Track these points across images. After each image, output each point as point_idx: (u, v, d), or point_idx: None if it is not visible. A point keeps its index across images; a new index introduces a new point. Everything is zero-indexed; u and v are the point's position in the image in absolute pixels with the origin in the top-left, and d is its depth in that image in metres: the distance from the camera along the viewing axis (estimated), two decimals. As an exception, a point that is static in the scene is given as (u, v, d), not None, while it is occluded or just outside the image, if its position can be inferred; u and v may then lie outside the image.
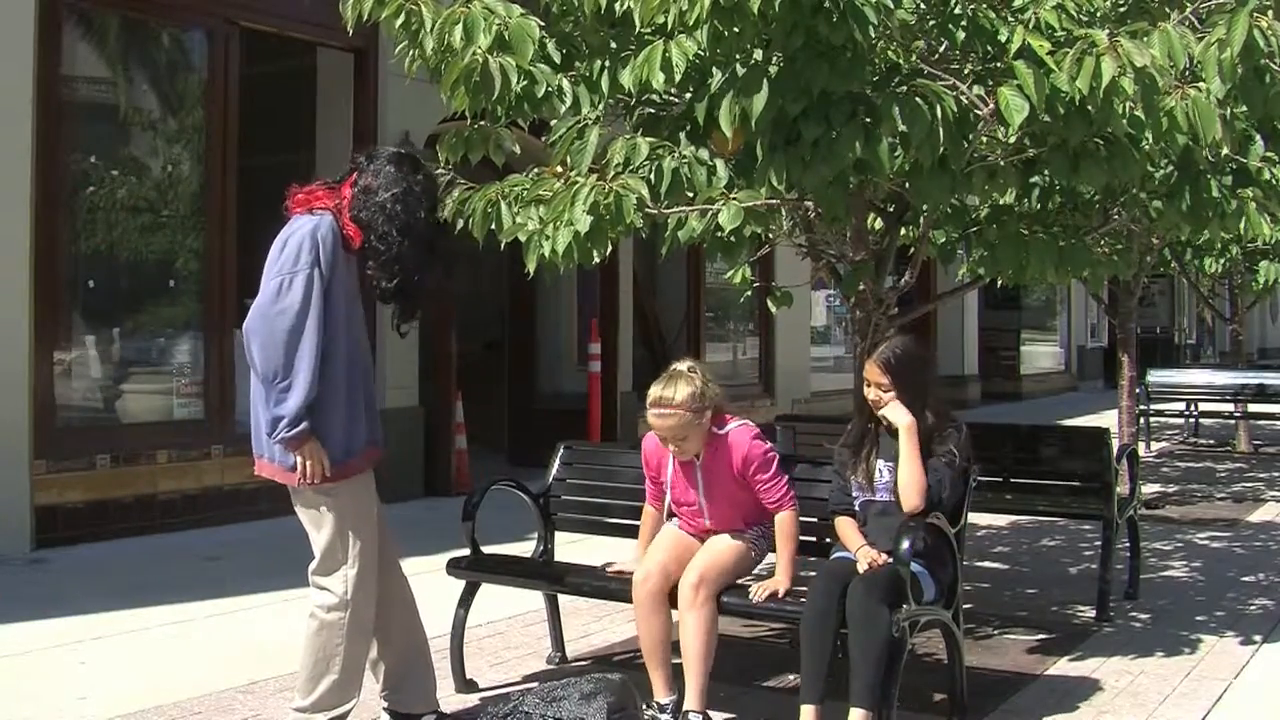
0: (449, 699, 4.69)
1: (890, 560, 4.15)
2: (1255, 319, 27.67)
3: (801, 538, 4.53)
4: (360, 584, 4.03)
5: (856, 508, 4.46)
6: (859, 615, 4.02)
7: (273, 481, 4.08)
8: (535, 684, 4.28)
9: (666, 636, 4.32)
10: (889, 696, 4.01)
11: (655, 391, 4.41)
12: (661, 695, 4.29)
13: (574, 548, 5.98)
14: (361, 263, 4.06)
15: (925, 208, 5.15)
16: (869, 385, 4.44)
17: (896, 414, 4.31)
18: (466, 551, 5.01)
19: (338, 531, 4.01)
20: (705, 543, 4.46)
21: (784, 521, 4.39)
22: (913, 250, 5.70)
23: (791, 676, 4.72)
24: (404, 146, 4.24)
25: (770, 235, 5.97)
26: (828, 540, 4.65)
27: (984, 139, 4.55)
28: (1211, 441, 14.40)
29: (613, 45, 4.75)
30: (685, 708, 4.21)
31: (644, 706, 4.21)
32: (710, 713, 4.23)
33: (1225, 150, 4.87)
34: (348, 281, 4.03)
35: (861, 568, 4.16)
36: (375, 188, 4.01)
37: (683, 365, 4.48)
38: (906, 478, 4.24)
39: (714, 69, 4.36)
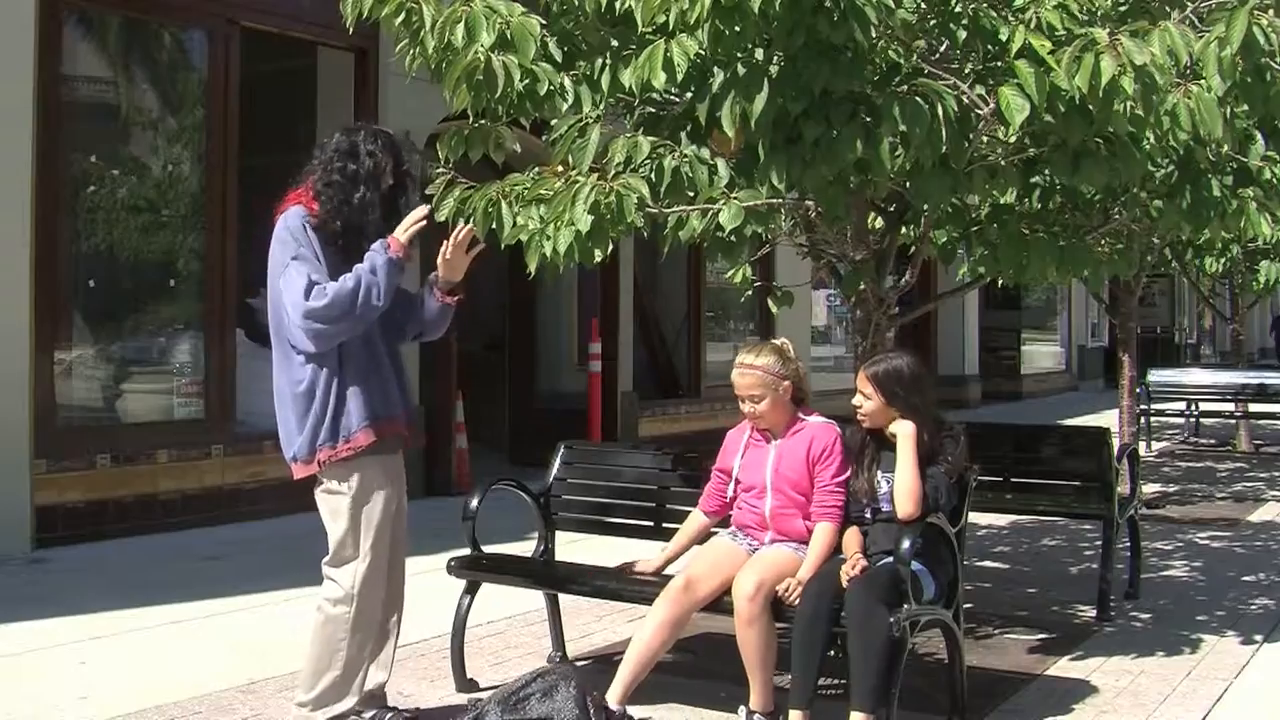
0: (449, 699, 4.70)
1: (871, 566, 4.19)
2: (1255, 319, 27.68)
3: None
4: (367, 580, 4.04)
5: (867, 515, 4.43)
6: (858, 616, 4.01)
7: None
8: (491, 691, 4.24)
9: (655, 654, 4.29)
10: (889, 696, 4.00)
11: (739, 355, 4.58)
12: (615, 700, 4.21)
13: (574, 548, 5.98)
14: (340, 244, 4.11)
15: (926, 207, 5.15)
16: (857, 392, 4.47)
17: (898, 424, 4.30)
18: (466, 551, 5.01)
19: (351, 524, 4.04)
20: (758, 552, 4.44)
21: (823, 530, 4.36)
22: (913, 250, 5.70)
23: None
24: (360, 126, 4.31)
25: (771, 235, 5.96)
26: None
27: (985, 138, 4.55)
28: (1212, 441, 14.40)
29: (614, 44, 4.75)
30: (751, 708, 4.24)
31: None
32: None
33: (1226, 149, 4.86)
34: (340, 267, 4.08)
35: (844, 580, 4.16)
36: (326, 159, 4.14)
37: (777, 340, 4.64)
38: (902, 485, 4.23)
39: (715, 68, 4.35)
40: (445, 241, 4.28)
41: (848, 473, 4.42)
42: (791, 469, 4.44)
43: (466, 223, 4.96)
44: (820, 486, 4.40)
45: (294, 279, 3.98)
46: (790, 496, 4.44)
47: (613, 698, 4.22)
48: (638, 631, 4.35)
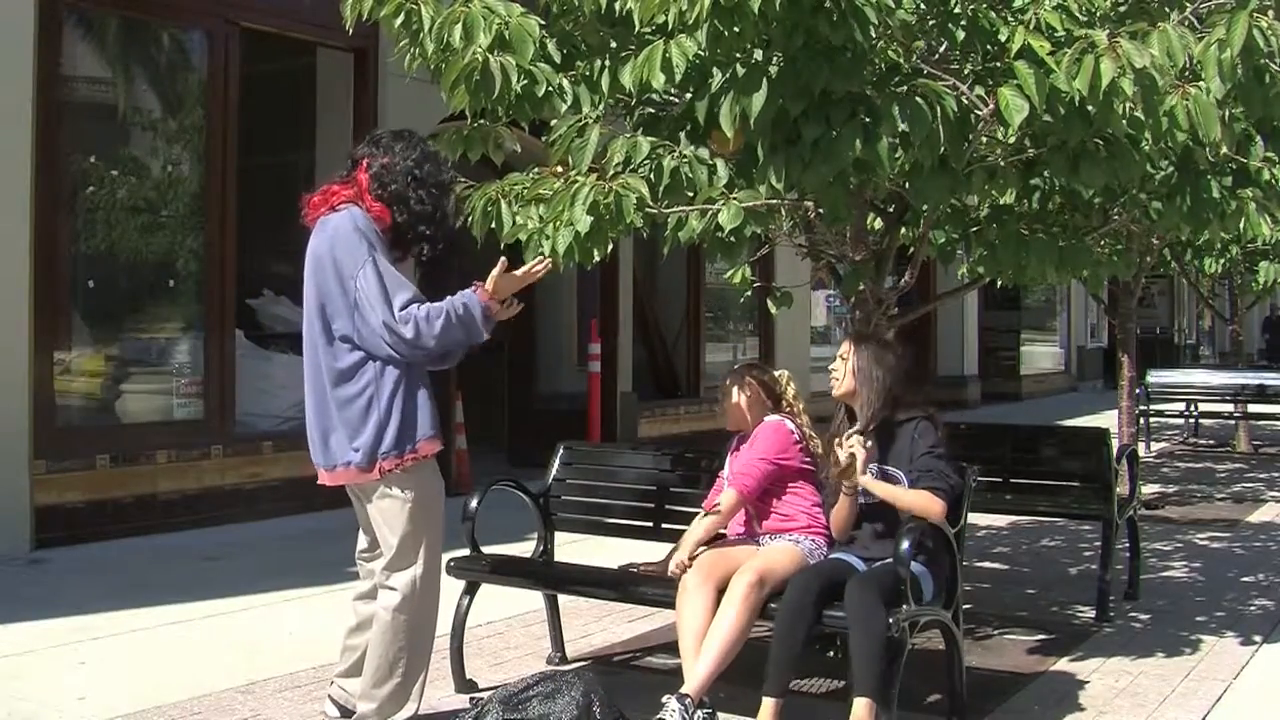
0: (448, 699, 4.70)
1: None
2: (1255, 320, 27.69)
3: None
4: (426, 585, 4.04)
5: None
6: (856, 614, 4.02)
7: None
8: (496, 690, 4.25)
9: (702, 627, 4.28)
10: (889, 697, 4.00)
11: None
12: (695, 692, 4.18)
13: (574, 548, 5.99)
14: (397, 247, 4.10)
15: (925, 208, 5.15)
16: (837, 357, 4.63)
17: (856, 475, 4.32)
18: (466, 551, 5.01)
19: (413, 529, 4.02)
20: (763, 549, 4.50)
21: (725, 497, 4.58)
22: (913, 250, 5.70)
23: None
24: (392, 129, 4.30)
25: (770, 235, 5.97)
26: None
27: (984, 139, 4.55)
28: (1211, 442, 14.40)
29: (613, 45, 4.75)
30: (683, 690, 4.16)
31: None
32: (709, 708, 4.20)
33: (1225, 150, 4.86)
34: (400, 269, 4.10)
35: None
36: (393, 162, 4.09)
37: (790, 385, 4.83)
38: (910, 506, 4.26)
39: (714, 69, 4.35)
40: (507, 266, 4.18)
41: (770, 454, 4.55)
42: (741, 457, 4.68)
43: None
44: (743, 461, 4.60)
45: (396, 284, 3.92)
46: (757, 491, 4.60)
47: (693, 691, 4.18)
48: (681, 630, 4.31)
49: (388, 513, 4.03)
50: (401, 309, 3.91)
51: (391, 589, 4.04)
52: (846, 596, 4.06)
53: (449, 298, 4.01)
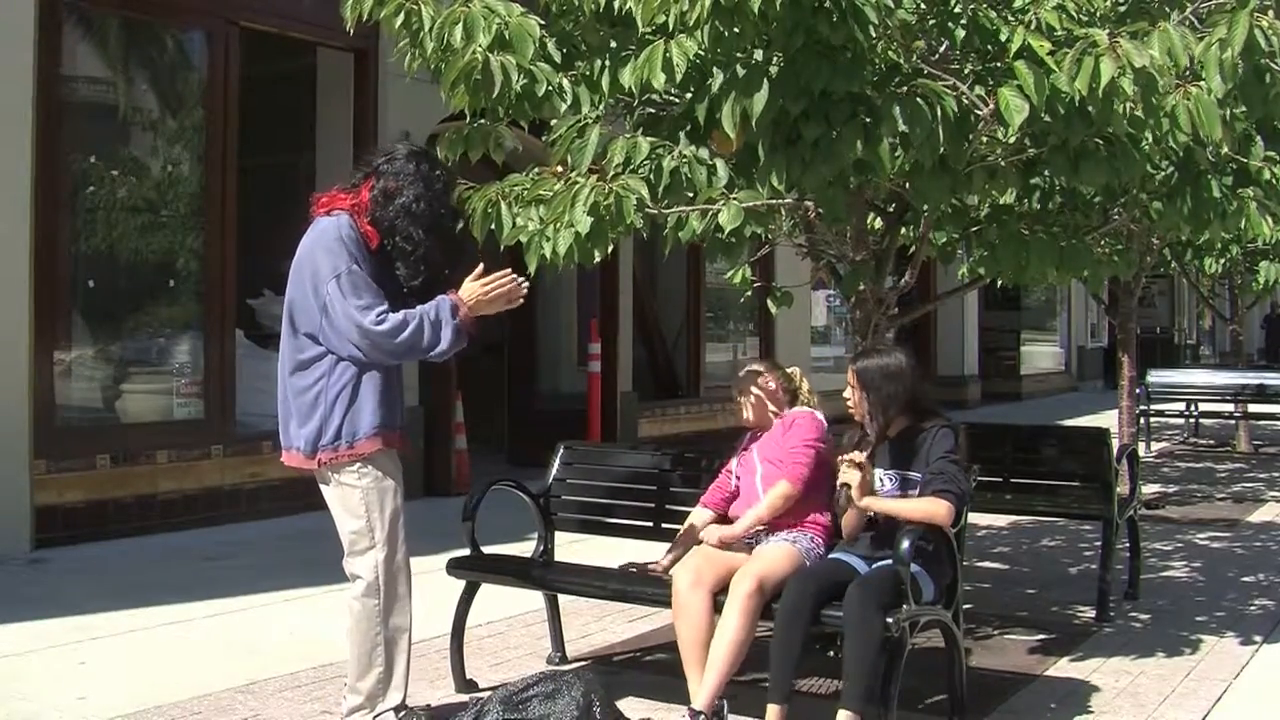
0: (448, 699, 4.70)
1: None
2: (1255, 319, 27.69)
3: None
4: (390, 568, 4.07)
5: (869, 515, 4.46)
6: (853, 621, 4.02)
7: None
8: (497, 689, 4.25)
9: (701, 633, 4.28)
10: (889, 696, 4.01)
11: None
12: (705, 704, 4.18)
13: (574, 548, 5.99)
14: (383, 262, 4.13)
15: (925, 208, 5.15)
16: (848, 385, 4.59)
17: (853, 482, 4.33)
18: (466, 551, 5.01)
19: (366, 515, 4.06)
20: (757, 548, 4.48)
21: (777, 488, 4.51)
22: (913, 250, 5.70)
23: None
24: (416, 144, 4.30)
25: (770, 235, 5.97)
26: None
27: (984, 139, 4.55)
28: (1211, 441, 14.40)
29: (613, 45, 4.75)
30: (694, 705, 4.17)
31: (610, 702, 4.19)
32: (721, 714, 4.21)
33: (1225, 150, 4.86)
34: (380, 276, 4.12)
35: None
36: (396, 189, 4.11)
37: (804, 381, 4.88)
38: (912, 517, 4.23)
39: (714, 69, 4.35)
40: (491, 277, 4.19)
41: (820, 445, 4.56)
42: (772, 444, 4.67)
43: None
44: (788, 449, 4.56)
45: (371, 294, 3.98)
46: (775, 468, 4.60)
47: (704, 705, 4.16)
48: (681, 639, 4.32)
49: (342, 500, 4.10)
50: (371, 310, 3.98)
51: (358, 577, 4.09)
52: (845, 603, 4.05)
53: (421, 306, 4.06)
